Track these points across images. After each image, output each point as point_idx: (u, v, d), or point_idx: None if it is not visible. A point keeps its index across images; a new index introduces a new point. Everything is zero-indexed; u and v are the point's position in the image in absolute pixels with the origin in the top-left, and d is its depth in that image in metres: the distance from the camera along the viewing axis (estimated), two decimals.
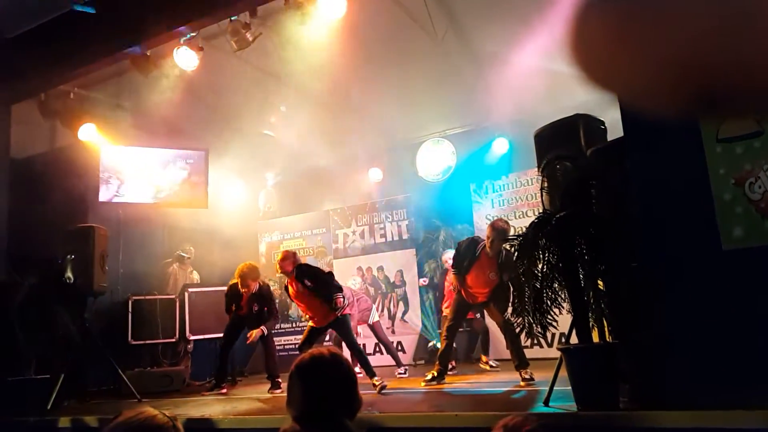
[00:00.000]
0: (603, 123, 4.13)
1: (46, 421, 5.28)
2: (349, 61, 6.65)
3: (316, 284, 5.84)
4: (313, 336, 5.97)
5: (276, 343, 9.00)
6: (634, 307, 3.53)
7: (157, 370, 7.26)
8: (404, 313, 8.35)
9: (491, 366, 6.60)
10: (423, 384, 5.51)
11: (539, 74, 6.78)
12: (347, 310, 5.96)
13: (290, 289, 5.99)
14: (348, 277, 8.85)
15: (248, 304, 6.50)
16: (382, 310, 8.65)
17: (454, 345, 6.93)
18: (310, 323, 6.01)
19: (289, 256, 6.00)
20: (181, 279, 8.22)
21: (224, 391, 6.36)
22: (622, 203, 3.60)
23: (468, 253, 5.71)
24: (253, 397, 5.95)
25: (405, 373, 6.78)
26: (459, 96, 7.84)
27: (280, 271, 6.01)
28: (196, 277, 8.34)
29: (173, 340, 7.67)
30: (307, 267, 6.13)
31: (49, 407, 5.73)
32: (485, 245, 5.58)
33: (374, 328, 7.05)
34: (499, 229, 5.46)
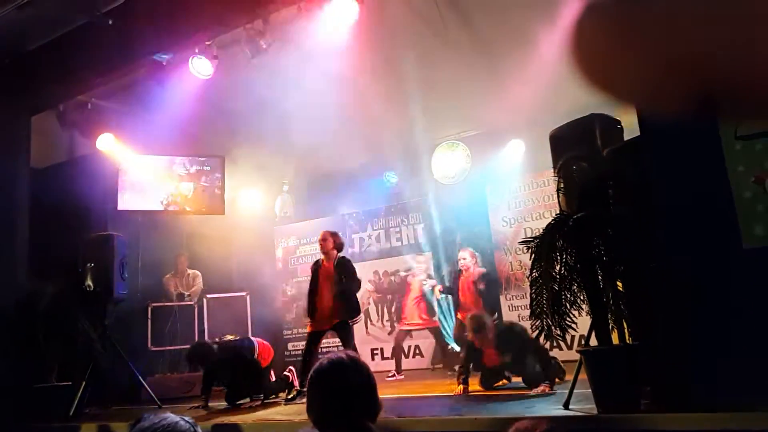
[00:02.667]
0: (619, 122, 4.10)
1: (69, 427, 5.35)
2: (362, 66, 6.66)
3: (345, 286, 5.86)
4: (314, 341, 5.91)
5: (294, 348, 9.10)
6: (654, 308, 3.49)
7: (177, 376, 7.32)
8: None
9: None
10: None
11: (554, 74, 6.74)
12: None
13: (321, 271, 5.96)
14: (364, 281, 8.85)
15: None
16: None
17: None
18: (309, 327, 5.97)
19: (328, 237, 6.03)
20: (180, 286, 8.18)
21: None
22: (640, 203, 3.57)
23: None
24: (272, 401, 5.97)
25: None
26: (473, 98, 7.80)
27: (322, 249, 6.02)
28: (199, 281, 8.29)
29: None
30: (350, 266, 6.07)
31: (71, 414, 5.81)
32: None
33: None
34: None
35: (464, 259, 7.05)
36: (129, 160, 8.07)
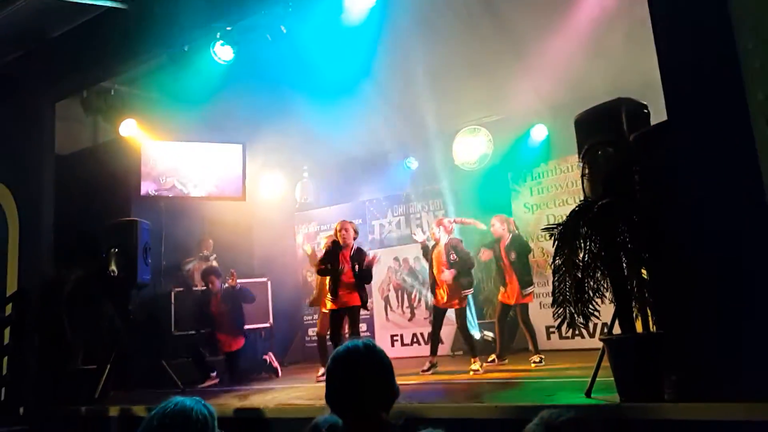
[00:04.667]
0: (646, 107, 3.99)
1: (94, 410, 5.45)
2: (382, 50, 6.61)
3: (361, 275, 6.10)
4: (337, 321, 6.03)
5: (315, 333, 9.13)
6: (680, 296, 3.42)
7: None
8: None
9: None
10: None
11: (578, 58, 6.62)
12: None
13: (338, 259, 6.11)
14: (384, 268, 8.84)
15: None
16: (419, 300, 8.63)
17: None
18: (330, 305, 6.10)
19: (350, 228, 6.27)
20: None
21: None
22: (667, 189, 3.49)
23: None
24: (293, 386, 6.02)
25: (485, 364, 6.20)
26: (496, 83, 7.72)
27: (341, 239, 6.17)
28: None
29: None
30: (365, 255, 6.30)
31: (96, 397, 5.92)
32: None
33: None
34: None
35: (493, 225, 6.61)
36: (152, 145, 8.13)
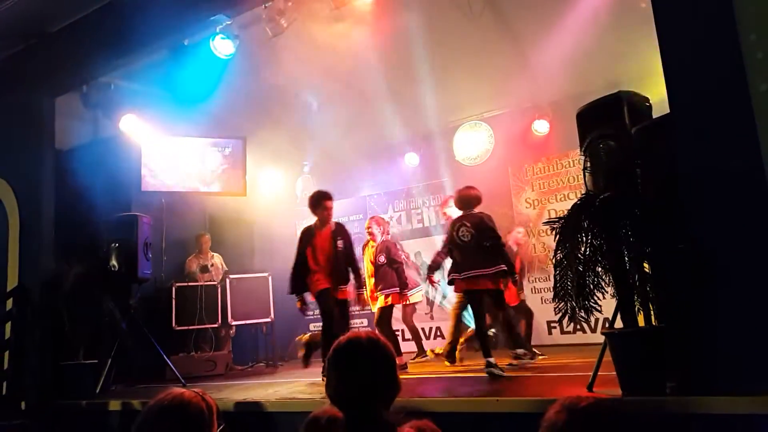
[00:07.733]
0: (648, 100, 3.97)
1: (97, 404, 5.45)
2: (384, 45, 6.59)
3: (345, 249, 5.87)
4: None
5: (316, 329, 9.14)
6: (682, 290, 3.41)
7: (201, 355, 7.42)
8: (443, 297, 8.29)
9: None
10: None
11: (579, 52, 6.60)
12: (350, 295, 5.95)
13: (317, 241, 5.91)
14: None
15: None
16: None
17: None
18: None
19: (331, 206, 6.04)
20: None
21: None
22: (669, 183, 3.47)
23: None
24: (295, 381, 6.01)
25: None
26: (497, 77, 7.70)
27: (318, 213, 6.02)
28: (218, 261, 8.37)
29: (216, 325, 7.79)
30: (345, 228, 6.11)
31: (97, 391, 5.92)
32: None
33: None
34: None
35: (519, 233, 6.99)
36: (152, 140, 8.12)
